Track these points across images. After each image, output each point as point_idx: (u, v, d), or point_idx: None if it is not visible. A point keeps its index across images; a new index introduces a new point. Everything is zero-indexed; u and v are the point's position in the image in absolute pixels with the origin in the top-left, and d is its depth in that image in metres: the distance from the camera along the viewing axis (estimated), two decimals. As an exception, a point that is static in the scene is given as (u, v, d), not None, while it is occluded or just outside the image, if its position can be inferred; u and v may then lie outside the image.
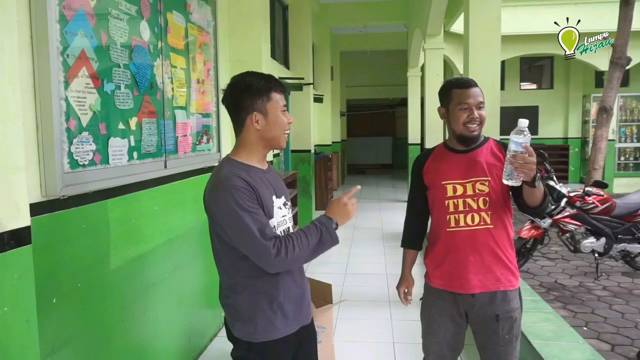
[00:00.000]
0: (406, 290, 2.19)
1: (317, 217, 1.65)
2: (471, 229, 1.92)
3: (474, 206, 1.92)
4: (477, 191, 1.91)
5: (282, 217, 1.70)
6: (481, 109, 1.91)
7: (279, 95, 1.66)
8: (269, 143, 1.69)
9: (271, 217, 1.62)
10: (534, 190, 1.77)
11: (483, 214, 1.91)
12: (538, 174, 1.72)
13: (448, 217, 1.95)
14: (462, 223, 1.93)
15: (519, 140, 1.67)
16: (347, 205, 1.66)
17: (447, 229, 1.96)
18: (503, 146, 1.95)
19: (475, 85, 1.94)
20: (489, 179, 1.90)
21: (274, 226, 1.64)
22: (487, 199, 1.90)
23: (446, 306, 2.00)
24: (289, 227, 1.74)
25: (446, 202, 1.96)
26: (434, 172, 2.02)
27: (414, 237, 2.20)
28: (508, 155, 1.72)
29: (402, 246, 2.24)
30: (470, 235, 1.92)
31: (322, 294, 3.00)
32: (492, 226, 1.91)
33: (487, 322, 1.94)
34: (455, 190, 1.95)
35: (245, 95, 1.62)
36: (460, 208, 1.93)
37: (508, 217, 1.96)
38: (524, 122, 1.68)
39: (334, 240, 1.62)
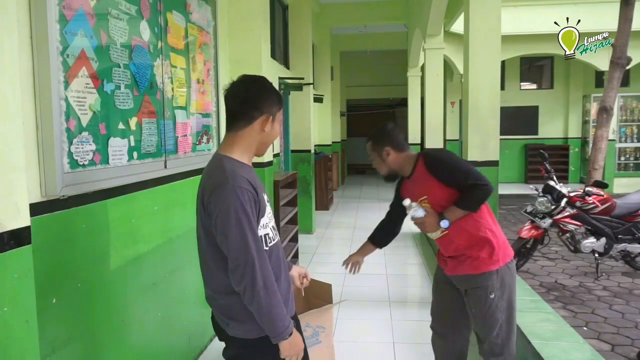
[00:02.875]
0: (354, 260, 2.58)
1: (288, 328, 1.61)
2: (438, 238, 2.33)
3: None
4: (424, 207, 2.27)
5: (268, 213, 1.71)
6: (373, 160, 2.38)
7: (282, 108, 1.75)
8: (260, 147, 1.72)
9: (264, 214, 1.65)
10: (453, 221, 2.21)
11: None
12: (444, 220, 2.18)
13: None
14: (437, 234, 2.32)
15: (413, 214, 2.23)
16: (299, 345, 1.65)
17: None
18: (426, 160, 2.25)
19: (368, 141, 2.38)
20: (426, 196, 2.26)
21: (267, 223, 1.67)
22: (436, 212, 2.24)
23: (441, 276, 2.47)
24: (274, 224, 1.76)
25: None
26: (404, 194, 2.39)
27: (378, 233, 2.59)
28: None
29: (367, 239, 2.62)
30: (440, 242, 2.35)
31: (322, 294, 2.99)
32: (447, 232, 2.26)
33: (463, 295, 2.33)
34: None
35: (269, 96, 1.66)
36: None
37: (464, 217, 2.21)
38: (405, 204, 2.23)
39: (276, 329, 1.58)
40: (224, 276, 1.60)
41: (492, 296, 2.20)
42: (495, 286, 2.20)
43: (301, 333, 1.81)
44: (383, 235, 2.56)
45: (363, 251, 2.58)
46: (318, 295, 2.98)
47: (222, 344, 1.87)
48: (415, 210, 2.20)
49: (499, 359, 2.27)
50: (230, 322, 1.65)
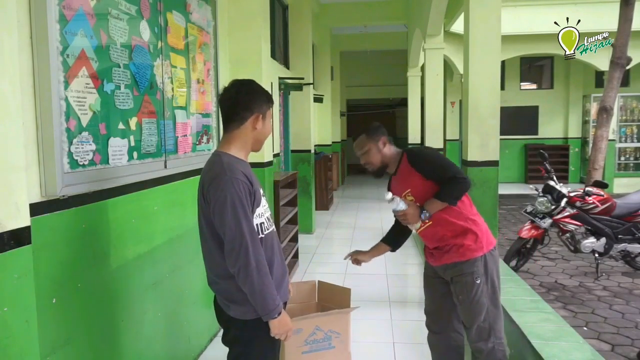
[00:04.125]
0: (357, 256, 2.67)
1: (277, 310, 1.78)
2: (422, 229, 2.41)
3: None
4: (408, 201, 2.35)
5: (264, 204, 1.88)
6: (364, 156, 2.45)
7: (272, 106, 1.92)
8: (256, 144, 1.89)
9: (259, 204, 1.81)
10: (432, 213, 2.30)
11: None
12: (424, 213, 2.28)
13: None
14: (415, 227, 2.42)
15: (391, 207, 2.33)
16: (288, 324, 1.82)
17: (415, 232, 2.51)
18: (409, 155, 2.39)
19: (355, 139, 2.47)
20: (409, 189, 2.37)
21: (262, 212, 1.83)
22: (417, 204, 2.33)
23: (430, 272, 2.55)
24: (269, 215, 1.92)
25: None
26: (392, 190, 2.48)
27: (390, 236, 2.66)
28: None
29: (380, 241, 2.71)
30: (423, 234, 2.44)
31: (337, 299, 2.95)
32: (431, 223, 2.36)
33: (450, 284, 2.41)
34: None
35: (257, 97, 1.83)
36: None
37: (446, 209, 2.31)
38: (386, 197, 2.33)
39: (266, 307, 1.74)
40: (224, 262, 1.75)
41: (478, 282, 2.30)
42: (480, 272, 2.30)
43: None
44: (394, 235, 2.63)
45: (373, 252, 2.66)
46: (333, 300, 2.96)
47: (222, 345, 1.90)
48: (397, 203, 2.31)
49: (488, 343, 2.33)
50: (230, 304, 1.81)
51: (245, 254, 1.68)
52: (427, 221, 2.36)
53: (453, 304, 2.45)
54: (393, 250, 2.65)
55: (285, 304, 1.98)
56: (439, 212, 2.32)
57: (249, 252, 1.68)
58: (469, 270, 2.30)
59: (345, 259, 2.72)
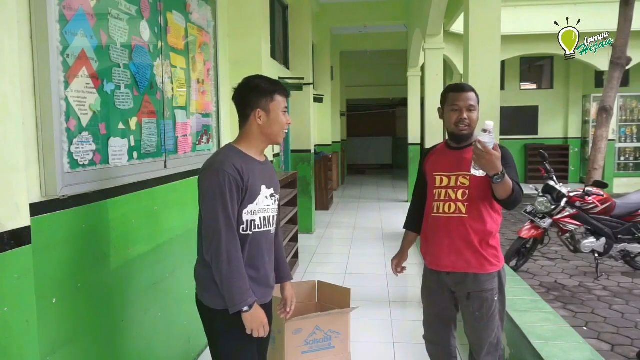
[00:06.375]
0: (397, 262, 2.52)
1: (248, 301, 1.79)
2: (447, 216, 2.22)
3: (453, 196, 2.20)
4: (459, 184, 2.19)
5: (266, 205, 1.91)
6: (471, 111, 2.18)
7: (282, 97, 1.90)
8: (268, 138, 1.91)
9: (253, 201, 1.84)
10: (496, 185, 2.01)
11: (459, 204, 2.19)
12: (499, 174, 1.96)
13: (434, 204, 2.27)
14: (441, 210, 2.24)
15: (484, 139, 1.94)
16: (260, 318, 1.83)
17: (432, 214, 2.28)
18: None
19: (470, 90, 2.21)
20: (471, 173, 2.12)
21: (256, 210, 1.85)
22: (467, 191, 2.17)
23: (433, 284, 2.35)
24: (273, 216, 1.95)
25: (434, 191, 2.27)
26: (432, 164, 2.32)
27: (412, 220, 2.49)
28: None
29: (403, 228, 2.55)
30: (445, 222, 2.22)
31: (338, 299, 2.96)
32: (466, 216, 2.18)
33: (462, 299, 2.27)
34: (442, 181, 2.24)
35: (252, 93, 1.87)
36: (442, 197, 2.23)
37: (488, 210, 2.19)
38: (488, 124, 1.94)
39: (232, 299, 1.77)
40: (202, 248, 1.84)
41: (495, 299, 2.24)
42: (497, 288, 2.25)
43: (270, 315, 2.03)
44: (416, 219, 2.45)
45: (406, 247, 2.53)
46: (333, 300, 2.97)
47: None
48: (491, 138, 1.94)
49: (495, 356, 2.33)
50: (204, 293, 1.87)
51: (218, 243, 1.74)
52: (465, 202, 2.15)
53: (454, 315, 2.38)
54: (419, 234, 2.46)
55: (266, 305, 1.96)
56: (480, 207, 2.16)
57: (222, 242, 1.73)
58: (490, 287, 2.22)
59: (398, 275, 2.56)
